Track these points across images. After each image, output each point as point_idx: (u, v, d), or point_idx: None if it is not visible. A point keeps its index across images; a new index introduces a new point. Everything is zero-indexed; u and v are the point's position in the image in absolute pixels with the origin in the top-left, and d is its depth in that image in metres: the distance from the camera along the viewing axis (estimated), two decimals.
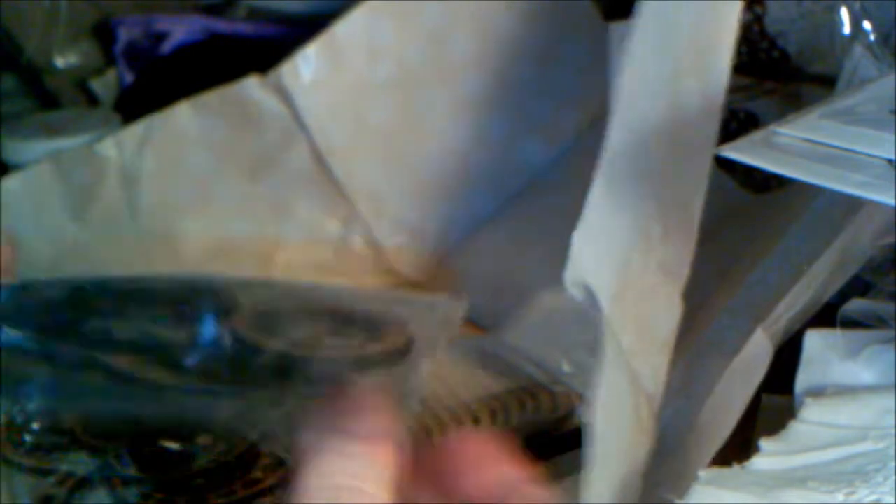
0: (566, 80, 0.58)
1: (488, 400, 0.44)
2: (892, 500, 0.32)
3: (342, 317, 0.31)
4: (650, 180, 0.36)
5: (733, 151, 0.32)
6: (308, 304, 0.32)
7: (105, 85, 0.63)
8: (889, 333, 0.40)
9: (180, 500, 0.34)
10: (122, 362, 0.29)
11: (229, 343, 0.29)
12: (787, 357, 0.40)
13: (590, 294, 0.33)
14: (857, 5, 0.48)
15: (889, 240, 0.43)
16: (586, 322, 0.34)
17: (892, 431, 0.35)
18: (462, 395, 0.44)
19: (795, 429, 0.36)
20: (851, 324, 0.41)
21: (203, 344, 0.29)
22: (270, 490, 0.34)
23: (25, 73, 0.63)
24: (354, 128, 0.56)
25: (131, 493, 0.35)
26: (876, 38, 0.48)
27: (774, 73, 0.56)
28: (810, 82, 0.55)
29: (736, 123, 0.55)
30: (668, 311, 0.38)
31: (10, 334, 0.30)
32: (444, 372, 0.45)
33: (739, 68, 0.44)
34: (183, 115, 0.55)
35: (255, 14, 0.65)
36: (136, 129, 0.55)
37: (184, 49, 0.62)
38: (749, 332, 0.40)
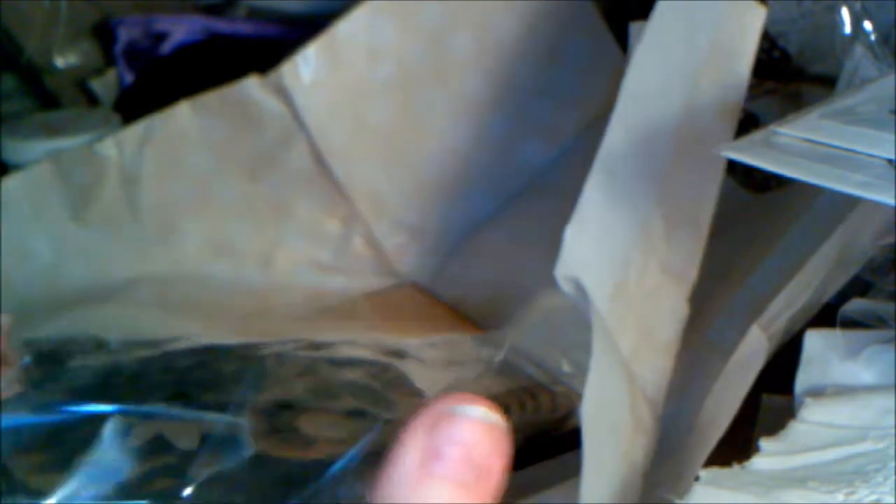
0: (566, 80, 0.58)
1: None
2: (892, 500, 0.32)
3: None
4: (653, 179, 0.36)
5: (733, 151, 0.32)
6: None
7: (105, 85, 0.63)
8: (889, 333, 0.40)
9: None
10: None
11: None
12: (787, 357, 0.40)
13: (580, 290, 0.33)
14: (858, 5, 0.48)
15: (889, 240, 0.43)
16: (586, 322, 0.34)
17: (892, 431, 0.35)
18: None
19: (795, 429, 0.36)
20: (851, 324, 0.41)
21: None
22: None
23: (25, 73, 0.63)
24: (354, 128, 0.56)
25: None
26: (876, 38, 0.48)
27: (774, 73, 0.56)
28: (810, 82, 0.55)
29: (737, 123, 0.55)
30: (671, 313, 0.38)
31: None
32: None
33: None
34: (183, 115, 0.55)
35: (255, 14, 0.65)
36: (136, 129, 0.55)
37: (184, 49, 0.62)
38: (748, 332, 0.40)
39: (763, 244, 0.44)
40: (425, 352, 0.44)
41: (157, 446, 0.33)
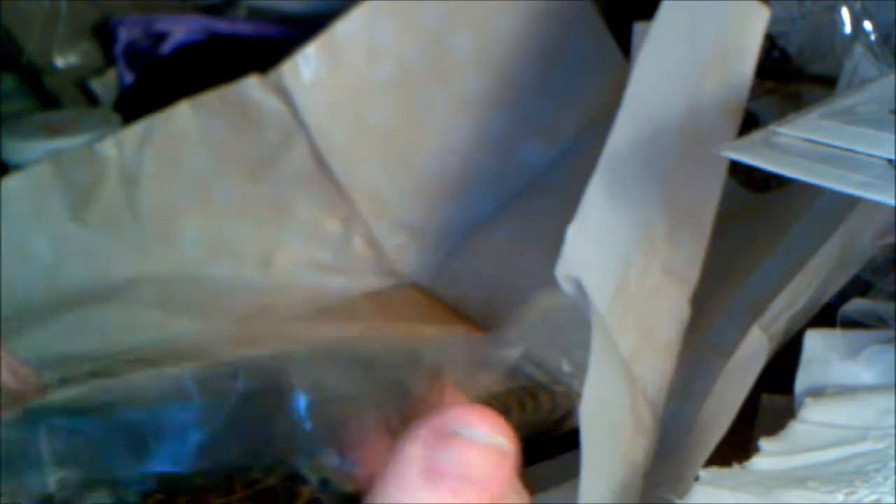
0: (566, 80, 0.58)
1: (488, 400, 0.44)
2: (892, 500, 0.32)
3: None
4: (656, 180, 0.36)
5: (733, 151, 0.32)
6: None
7: (105, 85, 0.63)
8: (889, 333, 0.40)
9: (180, 500, 0.33)
10: None
11: None
12: (787, 357, 0.40)
13: (580, 290, 0.33)
14: (858, 5, 0.48)
15: (889, 240, 0.43)
16: (586, 322, 0.34)
17: (892, 431, 0.35)
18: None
19: (795, 429, 0.36)
20: (851, 324, 0.41)
21: None
22: (270, 490, 0.34)
23: (25, 73, 0.63)
24: (354, 128, 0.56)
25: (131, 493, 0.35)
26: (876, 38, 0.48)
27: (774, 73, 0.56)
28: (810, 82, 0.55)
29: (740, 123, 0.55)
30: (672, 314, 0.38)
31: None
32: None
33: None
34: (183, 115, 0.55)
35: (255, 14, 0.65)
36: (136, 129, 0.55)
37: (184, 49, 0.62)
38: (748, 332, 0.40)
39: (763, 244, 0.44)
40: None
41: None
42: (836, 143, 0.32)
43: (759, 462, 0.34)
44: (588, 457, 0.31)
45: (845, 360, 0.40)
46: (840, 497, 0.32)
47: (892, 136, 0.31)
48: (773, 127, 0.33)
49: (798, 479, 0.33)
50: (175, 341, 0.49)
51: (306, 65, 0.54)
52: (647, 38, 0.35)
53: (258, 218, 0.57)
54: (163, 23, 0.63)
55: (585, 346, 0.32)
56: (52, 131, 0.56)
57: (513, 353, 0.46)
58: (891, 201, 0.29)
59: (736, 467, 0.34)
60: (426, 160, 0.58)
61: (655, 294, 0.37)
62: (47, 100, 0.63)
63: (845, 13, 0.49)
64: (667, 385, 0.38)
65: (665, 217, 0.37)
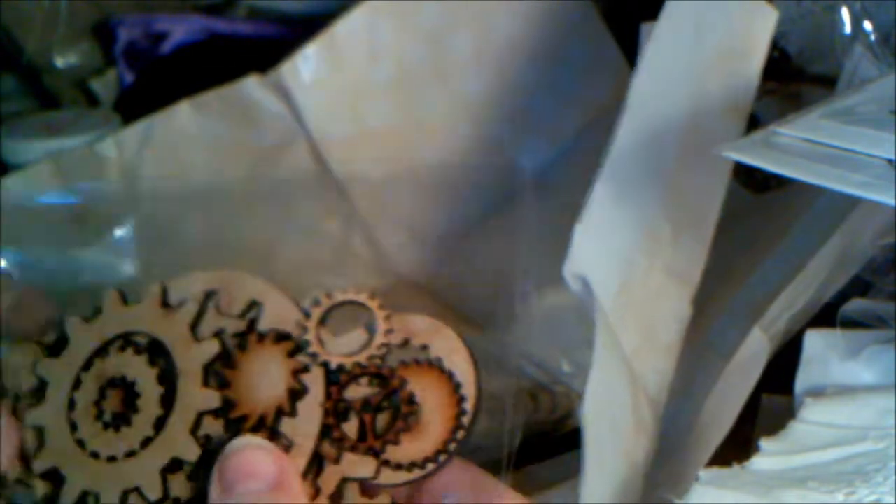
0: (566, 80, 0.58)
1: (488, 400, 0.44)
2: (892, 500, 0.32)
3: None
4: (660, 181, 0.36)
5: (733, 151, 0.32)
6: None
7: (105, 85, 0.63)
8: (889, 333, 0.40)
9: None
10: None
11: None
12: (787, 357, 0.40)
13: (587, 288, 0.33)
14: (858, 5, 0.48)
15: (889, 240, 0.43)
16: (587, 322, 0.34)
17: (892, 431, 0.35)
18: None
19: (795, 429, 0.36)
20: (851, 324, 0.41)
21: None
22: None
23: (25, 73, 0.63)
24: (354, 128, 0.56)
25: None
26: (876, 38, 0.48)
27: (774, 73, 0.56)
28: (810, 82, 0.55)
29: (746, 124, 0.55)
30: (674, 314, 0.38)
31: None
32: None
33: None
34: (183, 115, 0.55)
35: (255, 14, 0.65)
36: (136, 129, 0.55)
37: (184, 49, 0.62)
38: (749, 333, 0.40)
39: (763, 244, 0.44)
40: None
41: None
42: (836, 143, 0.32)
43: (759, 462, 0.34)
44: (590, 456, 0.31)
45: (845, 360, 0.40)
46: (840, 497, 0.32)
47: (892, 136, 0.31)
48: (773, 127, 0.33)
49: (798, 479, 0.33)
50: None
51: (306, 65, 0.54)
52: (652, 37, 0.35)
53: (258, 218, 0.57)
54: (163, 23, 0.63)
55: (586, 346, 0.32)
56: (52, 131, 0.56)
57: (513, 353, 0.46)
58: (891, 201, 0.29)
59: (736, 467, 0.34)
60: (426, 160, 0.58)
61: (658, 294, 0.37)
62: (47, 100, 0.63)
63: (845, 13, 0.49)
64: (668, 385, 0.38)
65: (669, 218, 0.37)
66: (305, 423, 0.33)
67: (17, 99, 0.63)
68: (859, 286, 0.44)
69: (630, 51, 0.40)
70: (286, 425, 0.33)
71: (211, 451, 0.33)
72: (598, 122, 0.54)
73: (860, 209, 0.40)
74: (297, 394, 0.34)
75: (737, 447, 0.37)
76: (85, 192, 0.46)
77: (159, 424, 0.34)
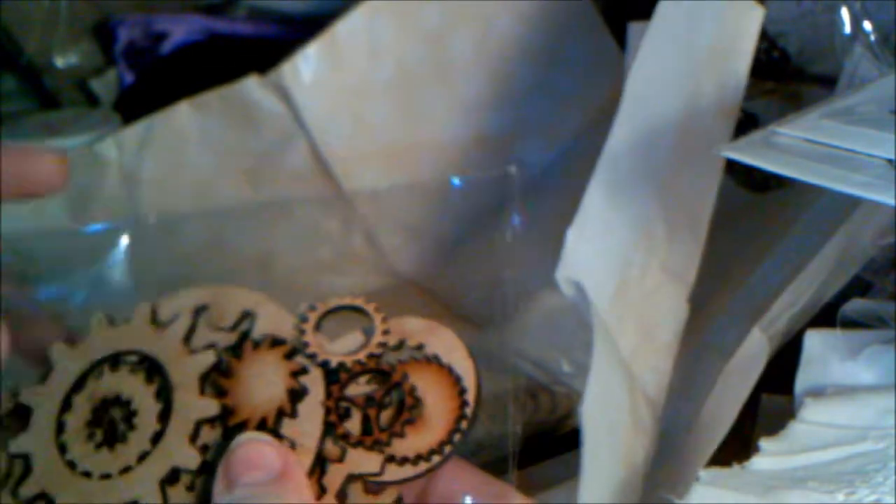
0: (566, 80, 0.58)
1: (488, 401, 0.44)
2: (892, 500, 0.32)
3: None
4: (654, 181, 0.36)
5: (733, 151, 0.32)
6: None
7: (105, 85, 0.63)
8: (889, 333, 0.40)
9: None
10: None
11: None
12: (787, 357, 0.40)
13: (581, 292, 0.33)
14: (858, 5, 0.48)
15: (889, 240, 0.43)
16: (586, 322, 0.34)
17: (892, 431, 0.35)
18: None
19: (795, 429, 0.36)
20: (851, 324, 0.41)
21: None
22: None
23: (25, 73, 0.63)
24: (354, 128, 0.56)
25: None
26: (876, 38, 0.48)
27: (774, 73, 0.56)
28: (810, 82, 0.55)
29: (735, 123, 0.55)
30: (671, 314, 0.38)
31: None
32: None
33: None
34: (183, 115, 0.55)
35: (255, 14, 0.65)
36: (136, 129, 0.55)
37: (184, 49, 0.62)
38: (748, 333, 0.40)
39: (763, 244, 0.44)
40: None
41: None
42: (836, 143, 0.32)
43: (759, 462, 0.34)
44: (589, 457, 0.31)
45: (845, 360, 0.40)
46: (840, 497, 0.32)
47: (892, 136, 0.31)
48: (773, 127, 0.33)
49: (798, 479, 0.33)
50: None
51: (306, 65, 0.54)
52: (645, 38, 0.35)
53: (258, 218, 0.57)
54: (163, 23, 0.63)
55: (585, 346, 0.32)
56: (52, 131, 0.56)
57: (510, 353, 0.46)
58: (891, 201, 0.29)
59: (736, 467, 0.34)
60: (426, 160, 0.58)
61: (654, 294, 0.37)
62: (47, 100, 0.63)
63: (845, 13, 0.49)
64: (666, 385, 0.38)
65: (663, 216, 0.37)
66: (307, 423, 0.33)
67: (17, 99, 0.63)
68: (859, 286, 0.44)
69: (626, 50, 0.40)
70: (287, 427, 0.33)
71: (212, 460, 0.33)
72: (597, 122, 0.54)
73: (860, 209, 0.40)
74: (296, 394, 0.34)
75: (737, 447, 0.37)
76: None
77: (156, 439, 0.33)
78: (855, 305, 0.41)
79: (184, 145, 0.55)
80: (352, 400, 0.34)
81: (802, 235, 0.42)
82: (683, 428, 0.38)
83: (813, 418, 0.37)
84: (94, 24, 0.63)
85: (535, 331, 0.49)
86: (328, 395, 0.34)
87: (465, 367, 0.35)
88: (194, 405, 0.34)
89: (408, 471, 0.33)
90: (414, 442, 0.34)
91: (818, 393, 0.39)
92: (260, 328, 0.36)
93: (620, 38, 0.57)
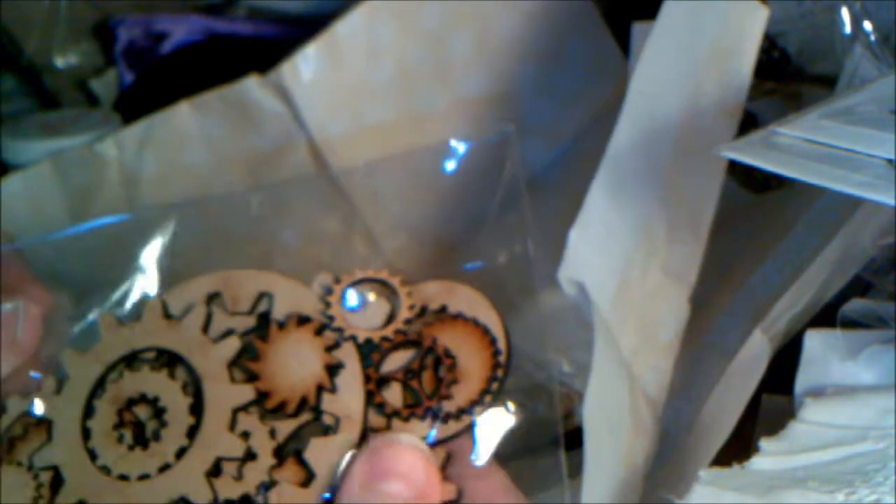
0: (566, 80, 0.58)
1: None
2: (892, 500, 0.32)
3: None
4: (657, 181, 0.36)
5: (733, 151, 0.32)
6: None
7: (105, 85, 0.63)
8: (889, 333, 0.40)
9: None
10: None
11: None
12: (787, 357, 0.40)
13: (583, 292, 0.33)
14: (858, 5, 0.48)
15: (889, 240, 0.43)
16: (587, 322, 0.34)
17: (892, 431, 0.35)
18: None
19: (795, 429, 0.36)
20: (851, 324, 0.41)
21: None
22: None
23: (25, 73, 0.63)
24: (354, 128, 0.56)
25: None
26: (876, 38, 0.48)
27: (774, 73, 0.56)
28: (810, 82, 0.55)
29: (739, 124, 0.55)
30: (672, 314, 0.38)
31: None
32: None
33: None
34: (183, 115, 0.55)
35: (255, 14, 0.65)
36: (136, 129, 0.55)
37: (184, 49, 0.62)
38: (749, 334, 0.40)
39: (763, 244, 0.44)
40: None
41: None
42: (836, 143, 0.32)
43: (759, 462, 0.34)
44: (591, 457, 0.31)
45: (845, 360, 0.40)
46: (840, 497, 0.32)
47: (892, 136, 0.31)
48: (773, 127, 0.33)
49: (798, 479, 0.33)
50: None
51: (306, 65, 0.54)
52: (650, 38, 0.35)
53: (257, 217, 0.57)
54: (163, 23, 0.63)
55: (586, 346, 0.32)
56: (52, 131, 0.56)
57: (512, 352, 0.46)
58: (891, 201, 0.29)
59: (736, 467, 0.34)
60: (426, 160, 0.58)
61: (656, 294, 0.37)
62: (47, 100, 0.63)
63: (845, 13, 0.49)
64: (667, 385, 0.38)
65: (665, 217, 0.37)
66: (348, 397, 0.34)
67: (17, 99, 0.63)
68: (859, 286, 0.44)
69: (630, 51, 0.40)
70: (329, 403, 0.33)
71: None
72: (598, 122, 0.54)
73: (861, 209, 0.40)
74: (334, 369, 0.34)
75: (737, 447, 0.37)
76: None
77: (192, 433, 0.33)
78: (855, 305, 0.41)
79: (184, 145, 0.55)
80: (389, 375, 0.34)
81: (802, 235, 0.42)
82: (684, 428, 0.38)
83: (813, 418, 0.37)
84: (94, 24, 0.63)
85: (536, 331, 0.49)
86: (364, 371, 0.34)
87: (490, 318, 0.35)
88: (227, 393, 0.34)
89: (452, 427, 0.34)
90: (456, 398, 0.34)
91: (818, 393, 0.39)
92: (280, 308, 0.36)
93: (621, 39, 0.57)
